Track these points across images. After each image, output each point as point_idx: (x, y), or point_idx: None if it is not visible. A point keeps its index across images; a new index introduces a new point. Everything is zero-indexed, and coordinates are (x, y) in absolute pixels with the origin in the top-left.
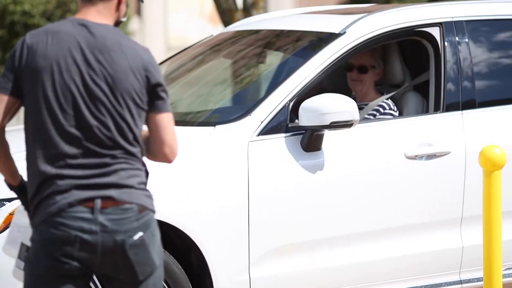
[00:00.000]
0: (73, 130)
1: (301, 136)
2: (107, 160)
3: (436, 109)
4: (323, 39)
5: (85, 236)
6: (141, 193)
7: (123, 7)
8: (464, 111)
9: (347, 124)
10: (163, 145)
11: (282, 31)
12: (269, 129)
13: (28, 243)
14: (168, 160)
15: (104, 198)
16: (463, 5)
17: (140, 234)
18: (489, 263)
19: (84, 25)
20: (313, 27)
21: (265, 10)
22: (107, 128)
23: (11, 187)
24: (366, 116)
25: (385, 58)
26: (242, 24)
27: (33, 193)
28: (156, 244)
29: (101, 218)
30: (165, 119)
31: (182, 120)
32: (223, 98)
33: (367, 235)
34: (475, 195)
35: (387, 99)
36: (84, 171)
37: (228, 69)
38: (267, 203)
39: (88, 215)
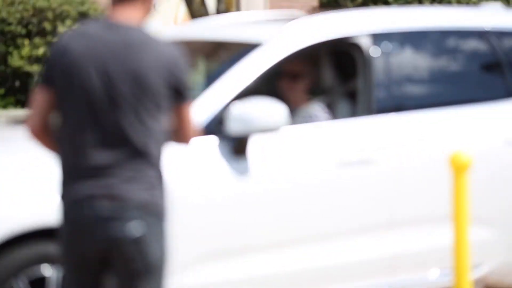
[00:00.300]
0: (95, 126)
1: (229, 141)
2: (120, 155)
3: (366, 114)
4: (253, 48)
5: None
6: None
7: (149, 6)
8: (394, 116)
9: (275, 129)
10: (186, 136)
11: (213, 40)
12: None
13: None
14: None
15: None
16: (395, 14)
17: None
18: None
19: (112, 24)
20: (244, 36)
21: None
22: (125, 124)
23: None
24: (297, 121)
25: (317, 65)
26: (172, 33)
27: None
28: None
29: None
30: (187, 112)
31: None
32: None
33: (297, 241)
34: (402, 201)
35: (318, 105)
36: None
37: None
38: (192, 208)
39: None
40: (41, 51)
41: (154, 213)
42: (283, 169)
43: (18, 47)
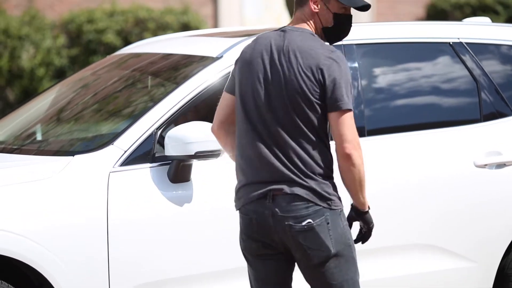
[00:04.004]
0: (257, 124)
1: (169, 165)
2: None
3: None
4: (200, 63)
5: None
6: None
7: (322, 13)
8: None
9: (214, 154)
10: (343, 142)
11: (162, 54)
12: (133, 159)
13: None
14: (347, 156)
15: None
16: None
17: (308, 221)
18: None
19: (283, 30)
20: (193, 51)
21: None
22: (278, 123)
23: None
24: None
25: None
26: (131, 48)
27: None
28: (333, 233)
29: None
30: (341, 116)
31: (38, 149)
32: (90, 126)
33: (239, 270)
34: None
35: None
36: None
37: (100, 94)
38: (128, 238)
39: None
40: None
41: (323, 203)
42: (226, 195)
43: None
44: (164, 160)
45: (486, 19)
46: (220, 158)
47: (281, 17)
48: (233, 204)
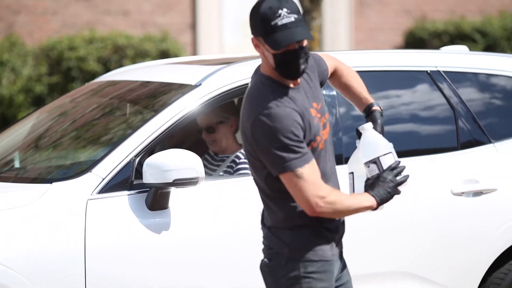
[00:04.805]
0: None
1: (146, 193)
2: None
3: None
4: (179, 91)
5: None
6: None
7: (266, 55)
8: None
9: (192, 182)
10: (300, 204)
11: (141, 82)
12: (111, 187)
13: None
14: (314, 214)
15: None
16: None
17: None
18: None
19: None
20: (171, 79)
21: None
22: None
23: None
24: (224, 169)
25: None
26: (109, 75)
27: None
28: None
29: None
30: (284, 179)
31: (16, 176)
32: (68, 153)
33: None
34: None
35: (242, 153)
36: None
37: (78, 122)
38: (106, 266)
39: None
40: None
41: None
42: (204, 223)
43: None
44: (142, 187)
45: (463, 48)
46: (198, 185)
47: None
48: (211, 231)
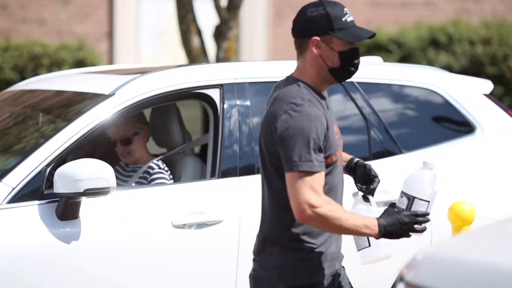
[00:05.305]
0: None
1: (56, 203)
2: None
3: (212, 175)
4: (92, 100)
5: None
6: None
7: (326, 55)
8: (241, 177)
9: (103, 191)
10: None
11: (55, 91)
12: (22, 196)
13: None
14: (305, 221)
15: None
16: (246, 66)
17: None
18: None
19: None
20: (85, 88)
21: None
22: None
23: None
24: (137, 180)
25: (164, 120)
26: (24, 84)
27: None
28: None
29: None
30: (289, 178)
31: None
32: None
33: None
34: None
35: (158, 160)
36: None
37: None
38: (15, 277)
39: None
40: None
41: None
42: (114, 233)
43: None
44: (53, 197)
45: (377, 59)
46: (109, 195)
47: (177, 55)
48: (121, 241)
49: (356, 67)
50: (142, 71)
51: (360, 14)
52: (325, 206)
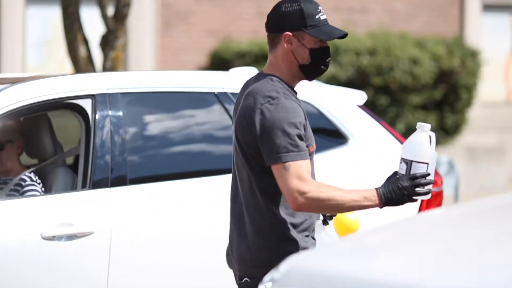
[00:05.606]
0: None
1: None
2: None
3: (83, 186)
4: None
5: None
6: None
7: (297, 50)
8: (113, 188)
9: None
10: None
11: None
12: None
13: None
14: (298, 209)
15: None
16: (119, 76)
17: None
18: None
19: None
20: None
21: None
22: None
23: None
24: (8, 192)
25: (34, 131)
26: None
27: None
28: None
29: None
30: (275, 170)
31: None
32: None
33: None
34: (120, 275)
35: (30, 172)
36: None
37: None
38: None
39: None
40: None
41: None
42: None
43: None
44: None
45: (252, 69)
46: None
47: (64, 64)
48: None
49: (326, 65)
50: (14, 81)
51: (248, 24)
52: (315, 189)
